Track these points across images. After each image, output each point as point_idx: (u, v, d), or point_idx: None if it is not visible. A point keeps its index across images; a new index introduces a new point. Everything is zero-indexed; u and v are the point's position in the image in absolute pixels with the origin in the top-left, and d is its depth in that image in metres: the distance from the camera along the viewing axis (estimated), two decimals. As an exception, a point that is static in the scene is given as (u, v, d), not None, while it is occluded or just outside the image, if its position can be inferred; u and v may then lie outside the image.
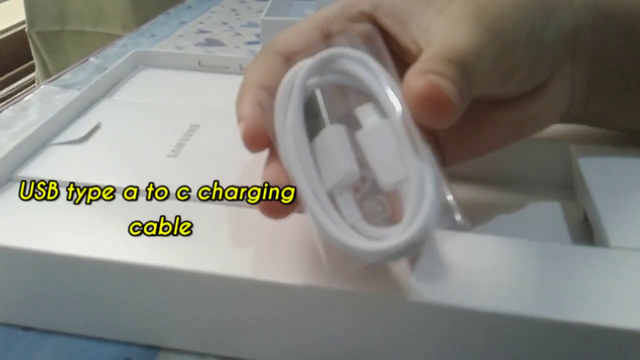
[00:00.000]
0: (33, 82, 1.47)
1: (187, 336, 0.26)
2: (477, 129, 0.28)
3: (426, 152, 0.21)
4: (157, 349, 0.26)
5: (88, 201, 0.28)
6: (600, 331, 0.21)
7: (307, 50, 0.24)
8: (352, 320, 0.24)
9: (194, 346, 0.26)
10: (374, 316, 0.23)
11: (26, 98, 0.49)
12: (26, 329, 0.27)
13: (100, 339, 0.27)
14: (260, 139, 0.23)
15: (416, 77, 0.22)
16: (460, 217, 0.20)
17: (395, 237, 0.20)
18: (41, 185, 0.29)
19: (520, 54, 0.26)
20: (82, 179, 0.30)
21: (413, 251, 0.22)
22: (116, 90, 0.40)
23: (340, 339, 0.24)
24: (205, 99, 0.38)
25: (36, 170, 0.31)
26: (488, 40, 0.24)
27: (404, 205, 0.20)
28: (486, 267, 0.24)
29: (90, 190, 0.29)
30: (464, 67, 0.23)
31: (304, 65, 0.23)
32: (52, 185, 0.29)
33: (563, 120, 0.30)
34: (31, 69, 1.49)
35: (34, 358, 0.26)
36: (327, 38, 0.27)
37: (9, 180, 0.30)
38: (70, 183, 0.29)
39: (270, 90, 0.24)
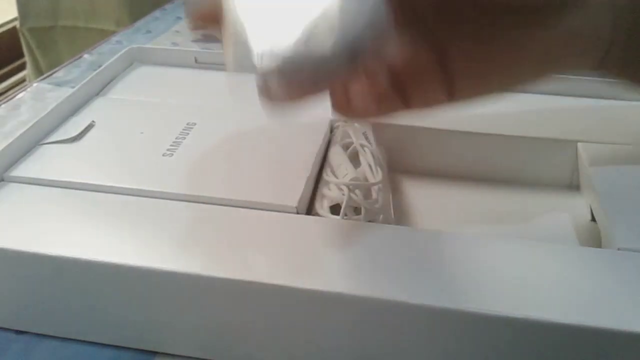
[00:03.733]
0: (24, 80, 1.46)
1: (184, 341, 0.25)
2: (494, 51, 0.23)
3: None
4: (153, 353, 0.26)
5: (81, 202, 0.28)
6: (606, 334, 0.21)
7: None
8: (352, 325, 0.23)
9: (190, 351, 0.26)
10: (376, 321, 0.23)
11: (18, 96, 0.49)
12: (19, 332, 0.27)
13: (95, 344, 0.26)
14: None
15: None
16: None
17: None
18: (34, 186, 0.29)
19: None
20: (75, 179, 0.29)
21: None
22: (111, 87, 0.39)
23: (339, 344, 0.24)
24: (202, 97, 0.38)
25: (28, 170, 0.30)
26: None
27: None
28: (491, 269, 0.24)
29: (84, 191, 0.28)
30: None
31: None
32: (45, 185, 0.29)
33: (601, 66, 0.25)
34: (23, 67, 1.48)
35: (27, 363, 0.25)
36: None
37: (1, 180, 0.30)
38: (63, 183, 0.29)
39: None
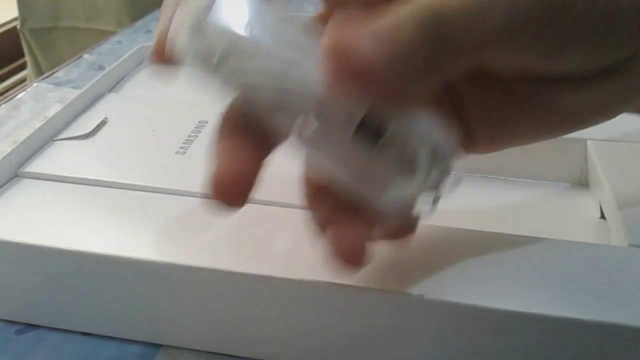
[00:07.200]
0: (25, 80, 1.46)
1: (189, 334, 0.26)
2: (518, 113, 0.22)
3: None
4: (157, 346, 0.26)
5: (94, 198, 0.28)
6: (616, 329, 0.21)
7: None
8: (363, 319, 0.23)
9: (195, 344, 0.26)
10: (383, 315, 0.23)
11: (18, 96, 0.48)
12: (20, 332, 0.27)
13: (99, 336, 0.26)
14: None
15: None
16: None
17: None
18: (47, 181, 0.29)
19: (578, 19, 0.18)
20: (88, 175, 0.29)
21: None
22: (122, 85, 0.39)
23: (342, 336, 0.24)
24: (213, 95, 0.38)
25: (42, 166, 0.30)
26: None
27: None
28: (501, 265, 0.24)
29: (97, 187, 0.28)
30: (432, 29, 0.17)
31: None
32: (58, 181, 0.29)
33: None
34: (23, 67, 1.47)
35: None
36: None
37: (15, 176, 0.30)
38: (76, 179, 0.29)
39: None
